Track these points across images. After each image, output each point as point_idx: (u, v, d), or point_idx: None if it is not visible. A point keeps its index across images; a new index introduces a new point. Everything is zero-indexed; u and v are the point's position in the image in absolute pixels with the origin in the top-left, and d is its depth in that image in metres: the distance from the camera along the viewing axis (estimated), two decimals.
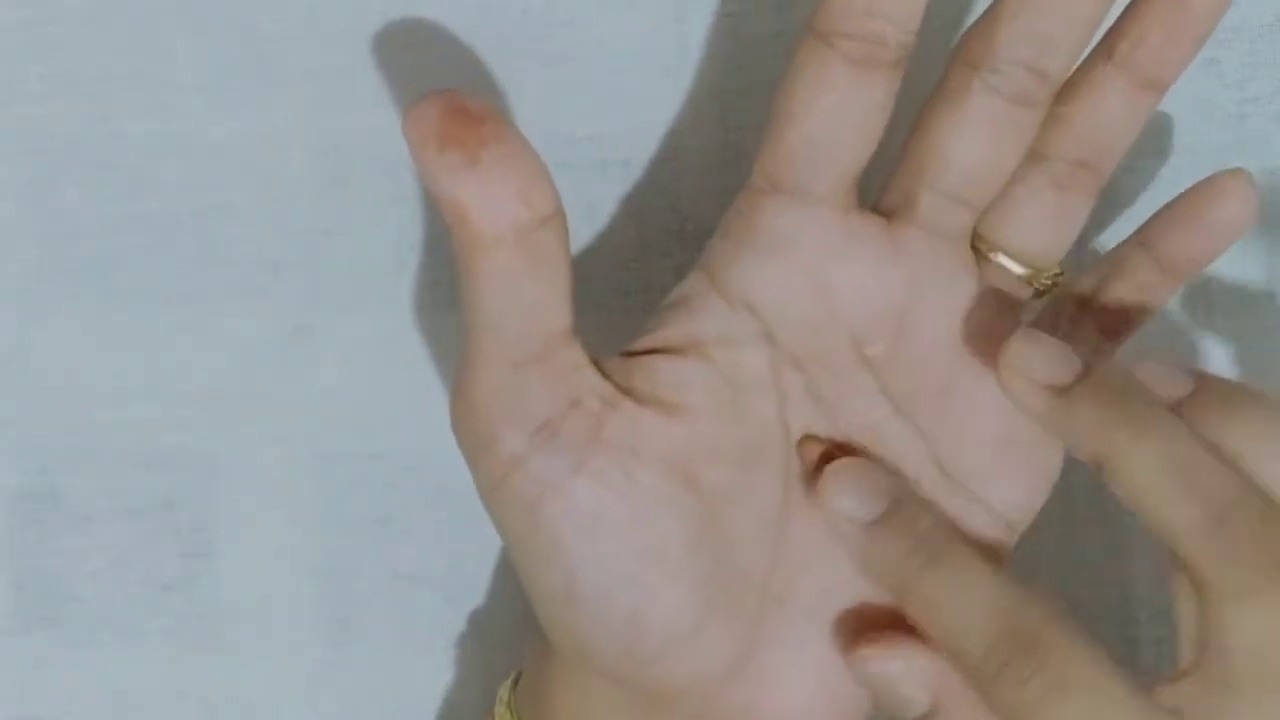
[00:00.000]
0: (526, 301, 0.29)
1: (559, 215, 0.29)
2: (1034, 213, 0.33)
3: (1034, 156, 0.33)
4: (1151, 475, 0.29)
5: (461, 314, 0.30)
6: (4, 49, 0.36)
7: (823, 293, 0.32)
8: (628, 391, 0.31)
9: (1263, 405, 0.30)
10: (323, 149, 0.36)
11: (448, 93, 0.28)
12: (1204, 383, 0.30)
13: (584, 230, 0.37)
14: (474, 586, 0.38)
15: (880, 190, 0.33)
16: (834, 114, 0.31)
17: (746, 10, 0.37)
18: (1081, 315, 0.34)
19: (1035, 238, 0.33)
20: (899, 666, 0.31)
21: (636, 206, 0.37)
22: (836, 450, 0.32)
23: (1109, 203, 0.37)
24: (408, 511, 0.37)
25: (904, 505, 0.31)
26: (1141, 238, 0.34)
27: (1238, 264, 0.38)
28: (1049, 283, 0.33)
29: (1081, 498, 0.38)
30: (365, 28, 0.36)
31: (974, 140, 0.32)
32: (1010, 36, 0.31)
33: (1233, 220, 0.33)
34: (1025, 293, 0.33)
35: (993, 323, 0.32)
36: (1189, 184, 0.38)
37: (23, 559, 0.37)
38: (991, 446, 0.32)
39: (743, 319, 0.32)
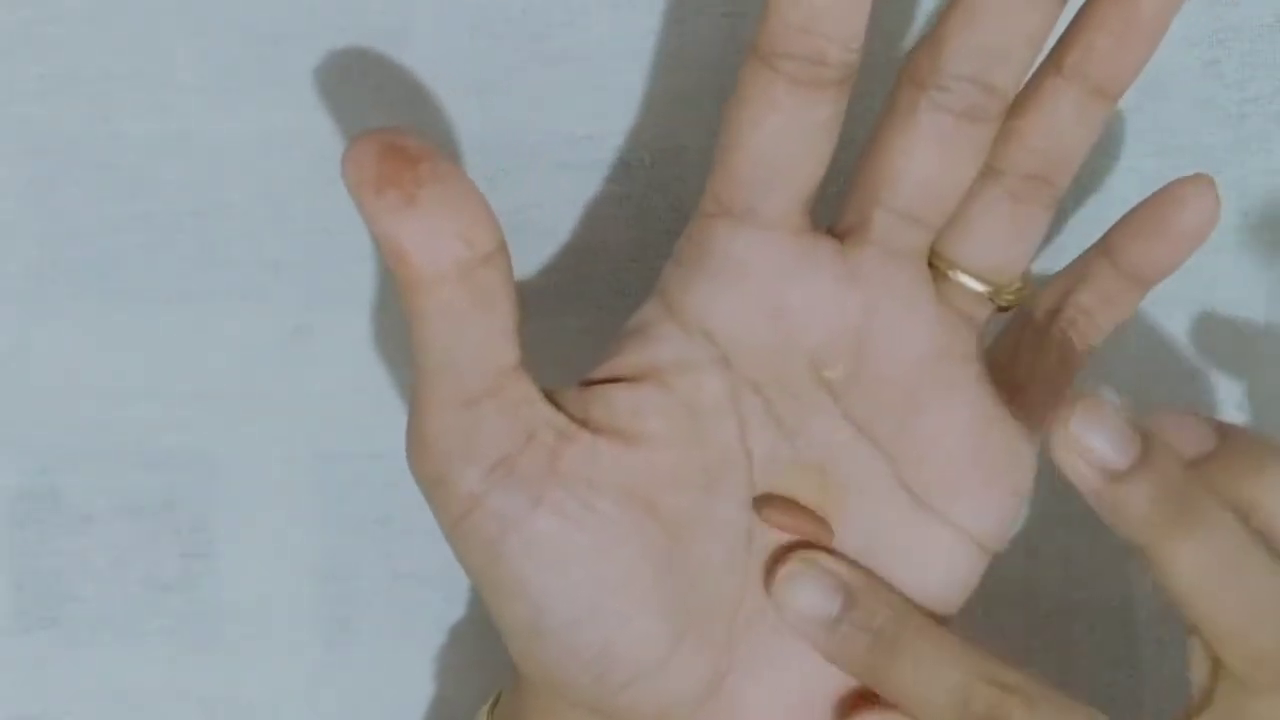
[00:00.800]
0: (472, 339, 0.29)
1: (501, 251, 0.29)
2: (991, 228, 0.32)
3: (988, 172, 0.32)
4: (1194, 573, 0.29)
5: (412, 351, 0.30)
6: (4, 49, 0.36)
7: (778, 316, 0.31)
8: (584, 422, 0.31)
9: None
10: (323, 149, 0.36)
11: (383, 131, 0.28)
12: (1228, 439, 0.30)
13: (584, 230, 0.37)
14: (474, 586, 0.38)
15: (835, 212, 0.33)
16: (780, 135, 0.30)
17: (746, 10, 0.37)
18: (1048, 326, 0.34)
19: (994, 253, 0.33)
20: None
21: (636, 206, 0.37)
22: (791, 520, 0.32)
23: (1109, 203, 0.37)
24: (408, 511, 0.37)
25: (859, 598, 0.31)
26: (1104, 246, 0.34)
27: (1238, 265, 0.38)
28: (1011, 298, 0.33)
29: (1081, 498, 0.38)
30: (365, 28, 0.36)
31: (924, 158, 0.31)
32: (956, 52, 0.30)
33: (1194, 228, 0.33)
34: (986, 309, 0.33)
35: (953, 343, 0.32)
36: None
37: (23, 559, 0.37)
38: (957, 465, 0.32)
39: (699, 345, 0.31)
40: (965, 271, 0.33)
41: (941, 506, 0.32)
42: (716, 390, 0.31)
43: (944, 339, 0.32)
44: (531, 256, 0.37)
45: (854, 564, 0.32)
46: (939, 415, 0.32)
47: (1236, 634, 0.29)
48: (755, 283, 0.31)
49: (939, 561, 0.32)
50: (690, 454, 0.31)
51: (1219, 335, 0.38)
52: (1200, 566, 0.29)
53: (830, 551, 0.32)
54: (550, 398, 0.31)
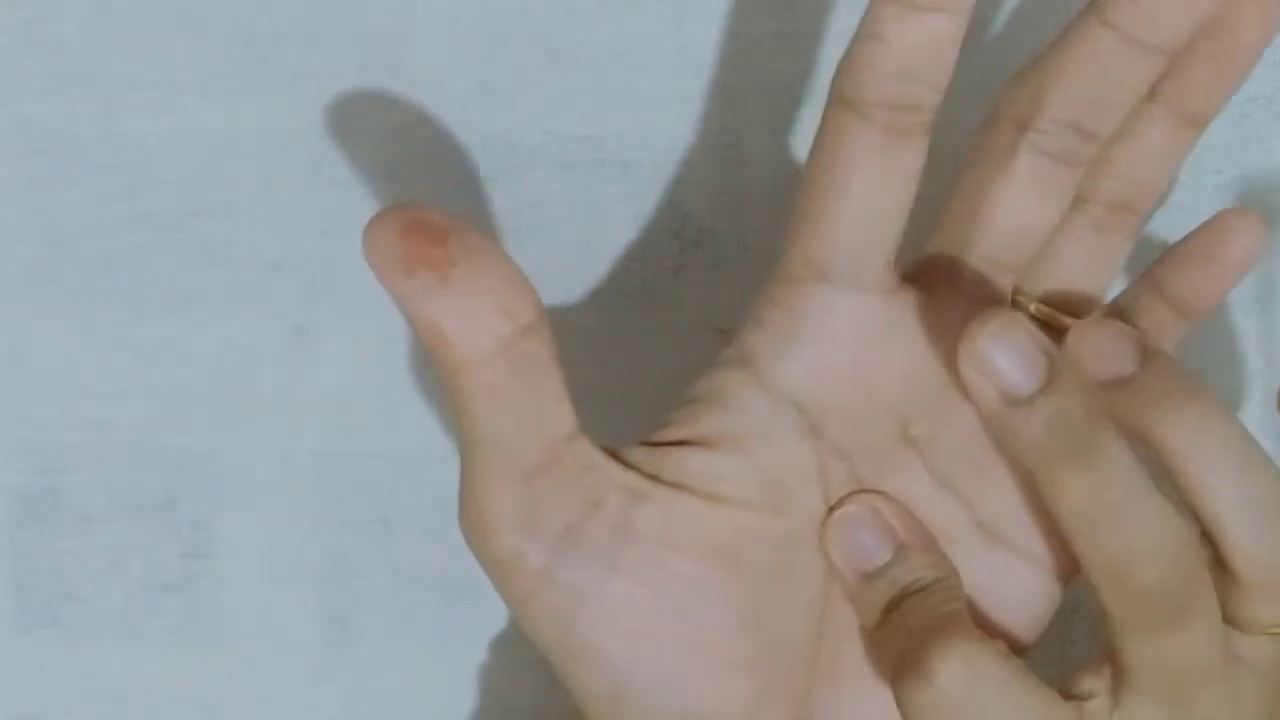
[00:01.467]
0: (522, 414, 0.28)
1: (541, 318, 0.28)
2: (1074, 261, 0.32)
3: (1074, 201, 0.32)
4: (1079, 506, 0.28)
5: (457, 428, 0.28)
6: (4, 49, 0.36)
7: (869, 380, 0.30)
8: (655, 479, 0.30)
9: (1200, 408, 0.29)
10: (323, 149, 0.36)
11: (403, 209, 0.27)
12: (1149, 367, 0.29)
13: (584, 230, 0.37)
14: (474, 586, 0.38)
15: (915, 252, 0.32)
16: (877, 189, 0.29)
17: (746, 10, 0.37)
18: None
19: (1075, 285, 0.32)
20: None
21: (636, 206, 0.37)
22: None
23: None
24: (408, 511, 0.37)
25: (907, 558, 0.31)
26: (1152, 280, 0.33)
27: None
28: None
29: None
30: (365, 28, 0.36)
31: (1020, 203, 0.30)
32: (1061, 98, 0.30)
33: (1244, 257, 0.32)
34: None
35: None
36: (1188, 184, 0.38)
37: (23, 559, 0.37)
38: (1030, 505, 0.31)
39: (788, 415, 0.30)
40: (1047, 305, 0.32)
41: (1017, 542, 0.31)
42: (803, 460, 0.30)
43: None
44: (531, 256, 0.37)
45: (918, 522, 0.31)
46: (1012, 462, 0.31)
47: (1116, 571, 0.28)
48: (848, 350, 0.30)
49: (1017, 595, 0.31)
50: (770, 517, 0.30)
51: (1219, 335, 0.38)
52: (1086, 500, 0.28)
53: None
54: (619, 456, 0.30)
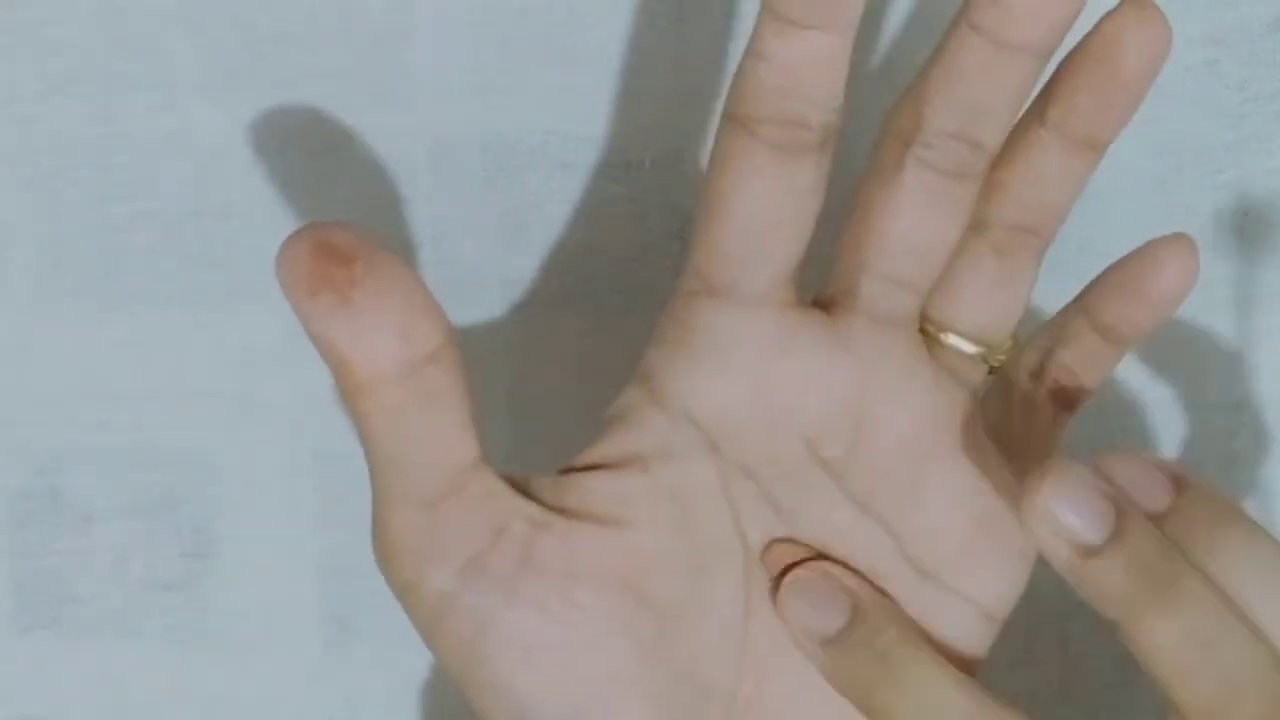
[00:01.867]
0: (423, 440, 0.28)
1: (448, 344, 0.28)
2: (979, 286, 0.31)
3: (972, 226, 0.31)
4: (1170, 650, 0.27)
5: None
6: (4, 49, 0.36)
7: (769, 398, 0.30)
8: (560, 510, 0.29)
9: (1243, 534, 0.28)
10: (323, 149, 0.36)
11: (316, 228, 0.27)
12: (1186, 495, 0.29)
13: (584, 230, 0.37)
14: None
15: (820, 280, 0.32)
16: (763, 204, 0.29)
17: (746, 10, 0.37)
18: (1034, 388, 0.33)
19: (984, 311, 0.32)
20: None
21: (636, 206, 0.37)
22: (802, 553, 0.31)
23: (1109, 203, 0.37)
24: None
25: (866, 616, 0.30)
26: (1081, 305, 0.33)
27: (1238, 265, 0.38)
28: (1003, 358, 0.32)
29: None
30: (365, 28, 0.36)
31: (912, 218, 0.30)
32: (940, 108, 0.29)
33: (1171, 291, 0.32)
34: (980, 371, 0.32)
35: (951, 409, 0.31)
36: (1188, 184, 0.38)
37: (23, 559, 0.37)
38: (963, 536, 0.31)
39: (685, 431, 0.30)
40: (956, 333, 0.32)
41: (948, 578, 0.31)
42: (705, 477, 0.30)
43: (942, 406, 0.31)
44: (531, 256, 0.37)
45: (865, 580, 0.31)
46: (942, 485, 0.31)
47: (1214, 710, 0.27)
48: (743, 364, 0.30)
49: (947, 633, 0.31)
50: (677, 539, 0.30)
51: (1219, 335, 0.38)
52: (1177, 642, 0.27)
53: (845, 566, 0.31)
54: (522, 487, 0.30)
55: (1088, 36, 0.30)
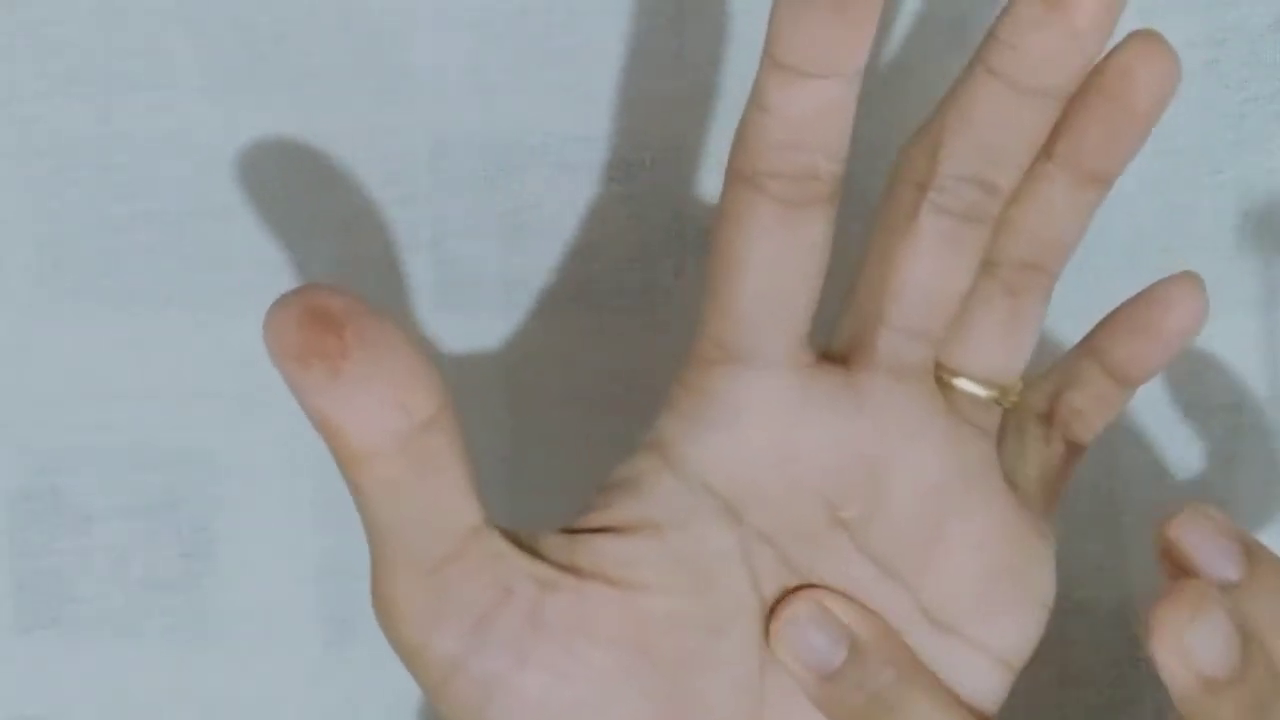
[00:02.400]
0: (423, 510, 0.27)
1: (444, 409, 0.27)
2: (991, 328, 0.31)
3: (982, 266, 0.31)
4: None
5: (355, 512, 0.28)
6: (4, 49, 0.36)
7: (787, 462, 0.29)
8: (569, 569, 0.29)
9: None
10: (323, 149, 0.36)
11: (304, 292, 0.26)
12: (1256, 569, 0.28)
13: (584, 230, 0.37)
14: None
15: (831, 329, 0.31)
16: (776, 262, 0.28)
17: (746, 10, 0.37)
18: (1046, 430, 0.33)
19: (996, 354, 0.31)
20: None
21: (636, 206, 0.37)
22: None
23: (1108, 203, 0.37)
24: None
25: (864, 651, 0.30)
26: (1089, 347, 0.32)
27: (1238, 265, 0.38)
28: (1016, 399, 0.31)
29: (1082, 497, 0.38)
30: (365, 28, 0.36)
31: (928, 265, 0.29)
32: (956, 152, 0.29)
33: (1181, 329, 0.31)
34: (994, 415, 0.31)
35: (967, 457, 0.31)
36: (1188, 185, 0.38)
37: (23, 559, 0.37)
38: (978, 587, 0.30)
39: (701, 498, 0.29)
40: (969, 378, 0.31)
41: (965, 630, 0.30)
42: (722, 544, 0.29)
43: (960, 455, 0.30)
44: (531, 256, 0.37)
45: (866, 611, 0.30)
46: (959, 536, 0.30)
47: None
48: (763, 430, 0.29)
49: (965, 684, 0.31)
50: (691, 602, 0.29)
51: (1219, 335, 0.38)
52: None
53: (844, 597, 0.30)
54: (529, 545, 0.29)
55: (1096, 70, 0.30)
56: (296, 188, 0.37)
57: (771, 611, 0.30)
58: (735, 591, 0.30)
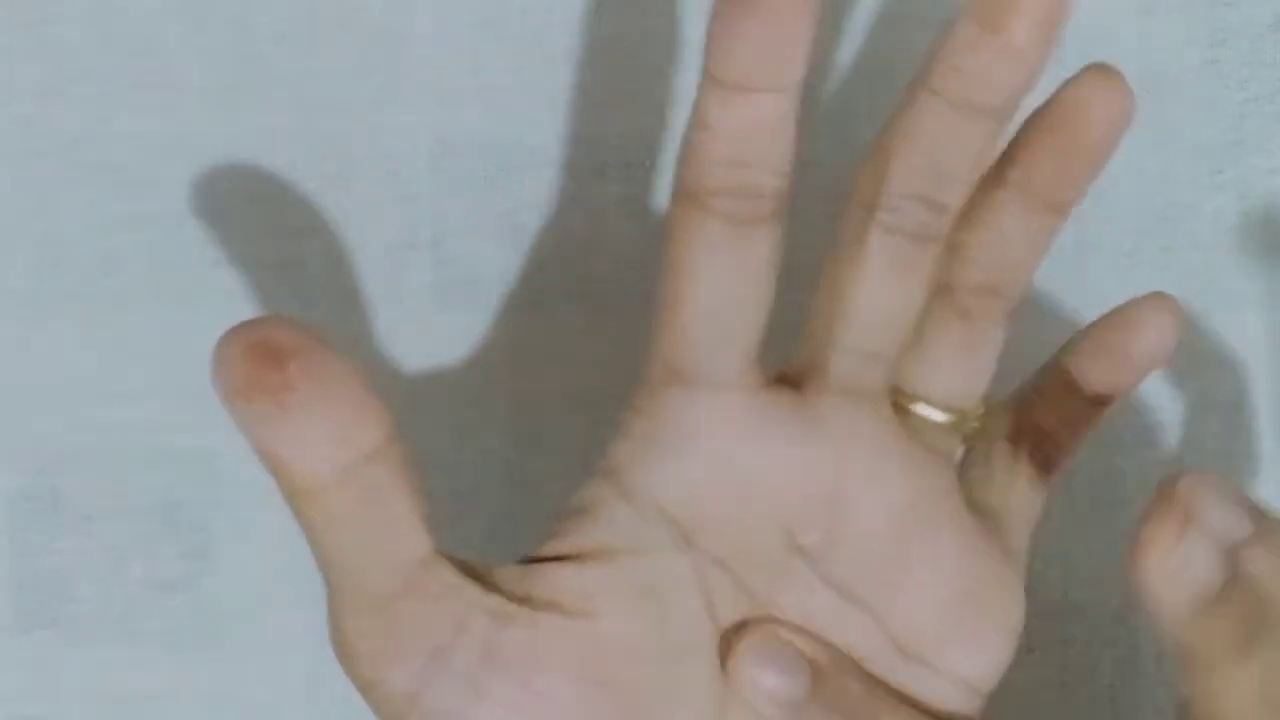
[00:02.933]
0: (370, 542, 0.27)
1: (390, 442, 0.26)
2: (947, 351, 0.31)
3: (937, 290, 0.30)
4: (1248, 701, 0.26)
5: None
6: (4, 49, 0.36)
7: (741, 486, 0.29)
8: (524, 600, 0.28)
9: None
10: (323, 149, 0.36)
11: (251, 327, 0.26)
12: (1265, 530, 0.28)
13: (584, 230, 0.37)
14: None
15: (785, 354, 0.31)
16: (724, 280, 0.28)
17: None
18: (1013, 451, 0.32)
19: (953, 378, 0.31)
20: None
21: (637, 206, 0.37)
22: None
23: (1108, 204, 0.37)
24: None
25: (828, 676, 0.29)
26: (1059, 366, 0.32)
27: (1238, 265, 0.38)
28: (976, 424, 0.31)
29: (1082, 497, 0.38)
30: (365, 28, 0.36)
31: (879, 286, 0.29)
32: (901, 170, 0.29)
33: (1151, 352, 0.31)
34: (954, 440, 0.31)
35: (927, 482, 0.30)
36: (1188, 185, 0.38)
37: (23, 559, 0.37)
38: (944, 613, 0.30)
39: (655, 525, 0.29)
40: (927, 402, 0.31)
41: (931, 657, 0.30)
42: (677, 571, 0.29)
43: (919, 479, 0.30)
44: (531, 256, 0.37)
45: (815, 636, 0.30)
46: (924, 561, 0.30)
47: None
48: (715, 454, 0.29)
49: (932, 710, 0.30)
50: (647, 631, 0.29)
51: (1218, 334, 0.38)
52: (1256, 696, 0.26)
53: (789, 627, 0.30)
54: (483, 578, 0.28)
55: (1051, 101, 0.30)
56: (296, 188, 0.37)
57: (727, 643, 0.30)
58: (691, 619, 0.29)
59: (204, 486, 0.37)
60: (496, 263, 0.37)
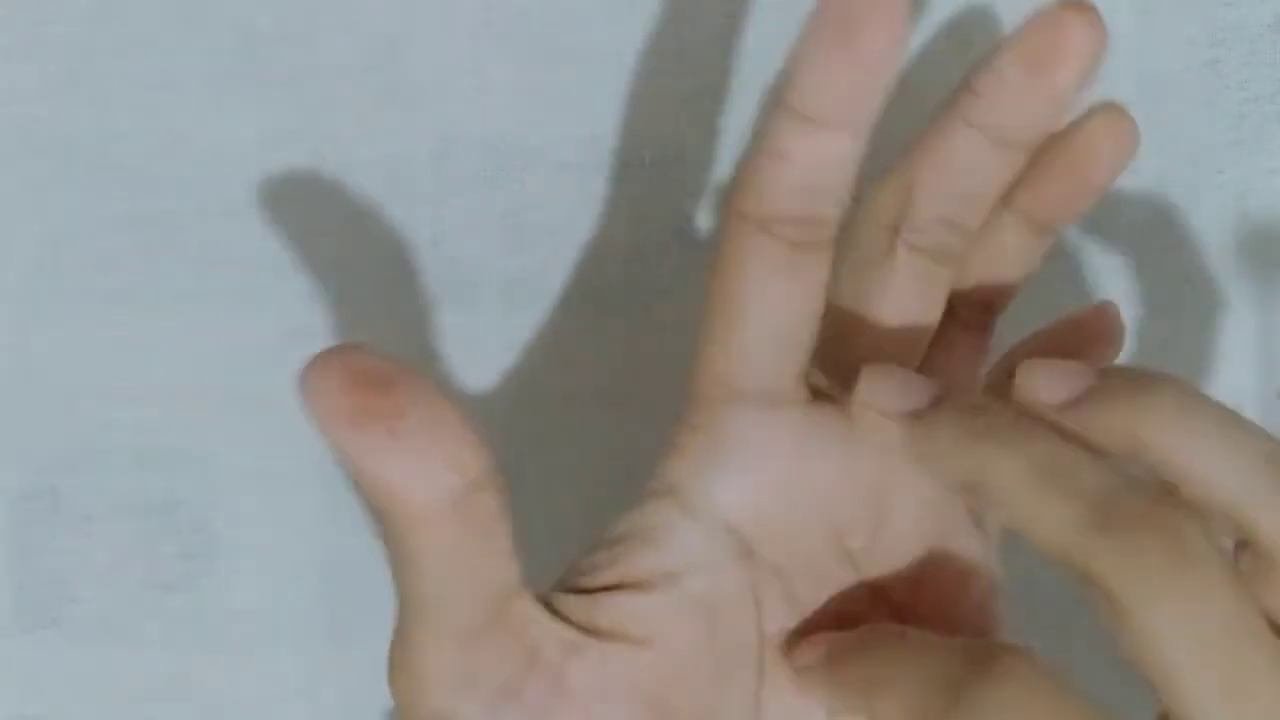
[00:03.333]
0: (470, 573, 0.26)
1: (494, 469, 0.26)
2: (951, 363, 0.33)
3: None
4: (1024, 482, 0.26)
5: (395, 583, 0.27)
6: (4, 49, 0.36)
7: (801, 495, 0.30)
8: (590, 630, 0.28)
9: (1174, 389, 0.27)
10: (323, 149, 0.36)
11: (343, 354, 0.25)
12: (1105, 376, 0.28)
13: (584, 230, 0.37)
14: None
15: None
16: (785, 304, 0.29)
17: (746, 10, 0.37)
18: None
19: (956, 381, 0.32)
20: None
21: (636, 206, 0.37)
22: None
23: (1108, 204, 0.37)
24: None
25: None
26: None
27: (1237, 265, 0.38)
28: None
29: None
30: (365, 28, 0.36)
31: (904, 305, 0.31)
32: (931, 195, 0.30)
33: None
34: None
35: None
36: (1188, 185, 0.38)
37: (23, 559, 0.37)
38: (978, 605, 0.31)
39: (720, 542, 0.29)
40: None
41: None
42: (738, 585, 0.30)
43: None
44: (531, 256, 0.37)
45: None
46: (954, 561, 0.31)
47: (1091, 523, 0.25)
48: (776, 465, 0.29)
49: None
50: (704, 649, 0.29)
51: (1218, 334, 0.38)
52: (1029, 473, 0.26)
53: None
54: (552, 606, 0.29)
55: (1063, 138, 0.31)
56: (296, 188, 0.37)
57: (772, 652, 0.30)
58: (742, 631, 0.30)
59: (204, 486, 0.37)
60: (496, 263, 0.37)
